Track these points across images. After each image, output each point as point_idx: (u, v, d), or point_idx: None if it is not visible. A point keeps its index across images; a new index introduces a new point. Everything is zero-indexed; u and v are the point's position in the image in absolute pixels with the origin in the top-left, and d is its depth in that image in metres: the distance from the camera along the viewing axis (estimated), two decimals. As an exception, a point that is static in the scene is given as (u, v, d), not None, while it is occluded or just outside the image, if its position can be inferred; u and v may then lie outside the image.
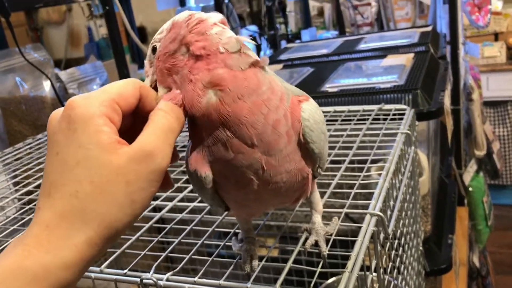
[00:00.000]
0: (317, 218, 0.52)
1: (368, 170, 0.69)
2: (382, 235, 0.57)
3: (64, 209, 0.33)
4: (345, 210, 0.57)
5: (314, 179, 0.50)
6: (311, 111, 0.43)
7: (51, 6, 2.64)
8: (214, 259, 0.53)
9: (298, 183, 0.43)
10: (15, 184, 0.82)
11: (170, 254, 0.55)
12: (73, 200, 0.33)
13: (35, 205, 0.72)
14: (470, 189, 1.99)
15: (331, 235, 0.51)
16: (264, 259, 0.50)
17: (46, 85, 1.29)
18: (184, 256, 0.53)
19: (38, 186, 0.77)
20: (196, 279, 0.47)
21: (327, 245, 0.50)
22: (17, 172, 0.85)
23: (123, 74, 1.32)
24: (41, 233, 0.33)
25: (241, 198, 0.44)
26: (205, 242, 0.59)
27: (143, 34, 3.69)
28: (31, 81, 1.28)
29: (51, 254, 0.32)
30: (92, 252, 0.34)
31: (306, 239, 0.50)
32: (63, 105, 1.30)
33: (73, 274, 0.33)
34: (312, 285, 0.51)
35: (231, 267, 0.50)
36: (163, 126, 0.37)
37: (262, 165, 0.39)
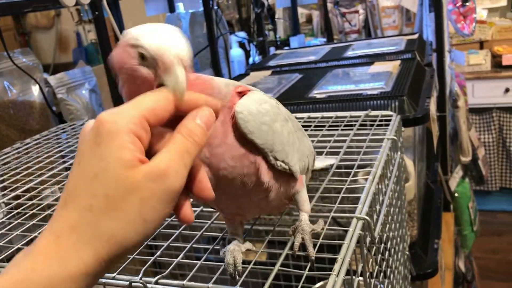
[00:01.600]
0: (304, 216, 0.53)
1: (355, 175, 0.70)
2: (368, 239, 0.58)
3: (76, 221, 0.33)
4: (332, 214, 0.58)
5: (296, 176, 0.52)
6: (245, 104, 0.46)
7: (40, 11, 2.63)
8: (203, 263, 0.53)
9: (247, 168, 0.46)
10: (3, 188, 0.82)
11: (158, 259, 0.55)
12: (86, 213, 0.33)
13: (23, 209, 0.72)
14: (456, 194, 2.01)
15: (318, 235, 0.52)
16: (252, 263, 0.51)
17: (35, 89, 1.29)
18: (173, 260, 0.53)
19: (26, 191, 0.77)
20: (184, 282, 0.47)
21: (314, 248, 0.51)
22: (5, 177, 0.85)
23: (112, 79, 1.32)
24: (51, 243, 0.33)
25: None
26: (193, 246, 0.59)
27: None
28: (19, 86, 1.27)
29: (57, 265, 0.32)
30: (98, 267, 0.33)
31: (293, 243, 0.51)
32: (51, 110, 1.30)
33: (78, 287, 0.33)
34: (299, 288, 0.51)
35: (219, 271, 0.50)
36: (179, 148, 0.37)
37: (206, 154, 0.44)
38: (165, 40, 0.39)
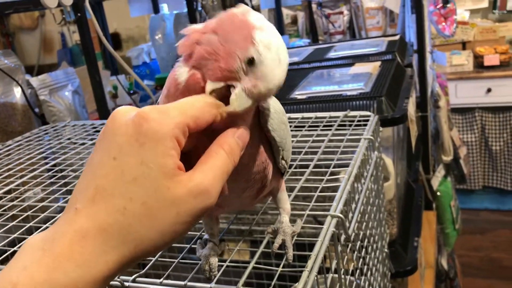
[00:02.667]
0: (285, 218, 0.54)
1: (332, 174, 0.71)
2: (343, 237, 0.59)
3: (107, 223, 0.32)
4: (307, 212, 0.59)
5: (282, 175, 0.53)
6: (271, 103, 0.46)
7: (22, 12, 2.61)
8: (186, 263, 0.54)
9: (258, 166, 0.46)
10: (-16, 190, 0.82)
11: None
12: (119, 216, 0.32)
13: (4, 210, 0.72)
14: (438, 193, 2.04)
15: (299, 234, 0.53)
16: (227, 262, 0.52)
17: (17, 91, 1.29)
18: (160, 260, 0.54)
19: (7, 192, 0.78)
20: (161, 280, 0.48)
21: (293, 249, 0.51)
22: (-14, 179, 0.85)
23: (95, 80, 1.33)
24: (76, 244, 0.31)
25: None
26: (176, 246, 0.60)
27: (117, 40, 3.68)
28: (1, 88, 1.27)
29: (82, 269, 0.31)
30: (119, 270, 0.33)
31: (272, 242, 0.52)
32: (34, 112, 1.29)
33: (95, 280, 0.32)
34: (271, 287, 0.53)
35: (196, 268, 0.51)
36: (222, 167, 0.36)
37: None
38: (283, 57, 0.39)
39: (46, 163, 0.90)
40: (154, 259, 0.53)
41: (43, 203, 0.71)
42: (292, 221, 0.55)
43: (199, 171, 0.35)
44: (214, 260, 0.50)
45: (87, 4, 1.35)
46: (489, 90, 3.33)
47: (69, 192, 0.77)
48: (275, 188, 0.54)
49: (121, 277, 0.48)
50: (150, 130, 0.33)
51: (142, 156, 0.33)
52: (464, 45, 3.52)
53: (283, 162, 0.50)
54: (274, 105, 0.47)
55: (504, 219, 3.46)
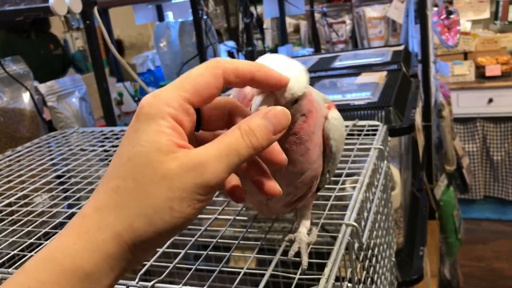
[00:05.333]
0: (303, 229, 0.55)
1: (343, 183, 0.72)
2: (356, 245, 0.60)
3: (101, 203, 0.33)
4: (321, 221, 0.60)
5: (318, 191, 0.54)
6: (337, 114, 0.51)
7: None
8: (194, 272, 0.55)
9: (311, 178, 0.49)
10: (-4, 196, 0.82)
11: (151, 266, 0.56)
12: (113, 195, 0.33)
13: (17, 216, 0.73)
14: (441, 203, 2.05)
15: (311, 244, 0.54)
16: (242, 273, 0.52)
17: (25, 97, 1.30)
18: (164, 265, 0.54)
19: (20, 198, 0.78)
20: (180, 286, 0.49)
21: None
22: (-3, 184, 0.85)
23: (102, 87, 1.33)
24: (76, 224, 0.33)
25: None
26: (192, 253, 0.61)
27: (120, 47, 3.69)
28: (9, 93, 1.28)
29: (79, 245, 0.32)
30: (123, 252, 0.32)
31: (287, 249, 0.53)
32: (42, 118, 1.30)
33: (100, 269, 0.32)
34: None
35: (210, 279, 0.52)
36: (230, 146, 0.34)
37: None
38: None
39: (56, 170, 0.90)
40: (171, 266, 0.54)
41: (56, 209, 0.72)
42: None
43: (202, 147, 0.34)
44: None
45: (95, 11, 1.36)
46: (490, 100, 3.34)
47: (80, 198, 0.77)
48: (311, 200, 0.55)
49: (140, 283, 0.49)
50: (143, 114, 0.34)
51: (136, 139, 0.33)
52: (465, 55, 3.54)
53: (327, 175, 0.52)
54: (339, 118, 0.50)
55: (506, 229, 3.46)
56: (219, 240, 0.59)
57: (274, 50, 2.75)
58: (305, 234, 0.54)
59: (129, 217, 0.32)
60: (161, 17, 2.37)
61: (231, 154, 0.34)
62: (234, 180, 0.40)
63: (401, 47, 1.80)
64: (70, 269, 0.31)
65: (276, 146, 0.37)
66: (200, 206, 0.33)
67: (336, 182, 0.71)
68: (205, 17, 1.97)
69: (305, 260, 0.51)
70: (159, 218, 0.32)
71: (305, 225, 0.56)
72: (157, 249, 0.59)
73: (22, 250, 0.64)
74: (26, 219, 0.71)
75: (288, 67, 0.41)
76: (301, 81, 0.41)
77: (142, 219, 0.32)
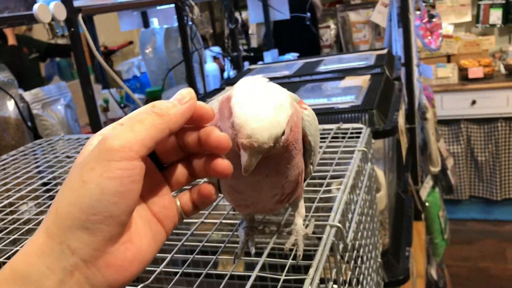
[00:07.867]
0: (299, 220, 0.56)
1: (328, 185, 0.73)
2: (341, 246, 0.61)
3: (57, 203, 0.35)
4: (307, 222, 0.61)
5: (304, 181, 0.55)
6: (310, 111, 0.52)
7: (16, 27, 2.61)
8: (182, 277, 0.55)
9: (295, 176, 0.50)
10: (-19, 204, 0.82)
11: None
12: (60, 190, 0.35)
13: (3, 224, 0.73)
14: (427, 204, 2.07)
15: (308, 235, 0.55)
16: (230, 272, 0.53)
17: (10, 105, 1.29)
18: (152, 269, 0.55)
19: (5, 206, 0.78)
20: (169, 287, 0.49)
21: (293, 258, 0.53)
22: (-18, 193, 0.85)
23: (88, 94, 1.33)
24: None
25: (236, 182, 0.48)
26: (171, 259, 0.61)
27: (105, 54, 3.67)
28: (-6, 102, 1.27)
29: (19, 251, 0.34)
30: (51, 245, 0.33)
31: (273, 252, 0.54)
32: (27, 125, 1.30)
33: (37, 270, 0.32)
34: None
35: (196, 283, 0.52)
36: (137, 116, 0.36)
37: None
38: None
39: (42, 177, 0.90)
40: (158, 270, 0.54)
41: (42, 217, 0.72)
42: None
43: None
44: (253, 240, 0.55)
45: (80, 19, 1.36)
46: (474, 102, 3.39)
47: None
48: (300, 192, 0.56)
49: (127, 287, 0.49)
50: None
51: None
52: (448, 58, 3.59)
53: (312, 167, 0.53)
54: (311, 113, 0.51)
55: (491, 228, 3.51)
56: (207, 244, 0.59)
57: (260, 55, 2.76)
58: (301, 226, 0.55)
59: (54, 206, 0.34)
60: (146, 23, 2.37)
61: (136, 121, 0.35)
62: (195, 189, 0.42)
63: (385, 51, 1.82)
64: (9, 274, 0.32)
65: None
66: (118, 174, 0.33)
67: (322, 184, 0.72)
68: (190, 23, 1.98)
69: (300, 250, 0.53)
70: (76, 195, 0.33)
71: (300, 214, 0.57)
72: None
73: (8, 258, 0.64)
74: (12, 227, 0.71)
75: (263, 105, 0.42)
76: (280, 119, 0.42)
77: (64, 201, 0.33)
